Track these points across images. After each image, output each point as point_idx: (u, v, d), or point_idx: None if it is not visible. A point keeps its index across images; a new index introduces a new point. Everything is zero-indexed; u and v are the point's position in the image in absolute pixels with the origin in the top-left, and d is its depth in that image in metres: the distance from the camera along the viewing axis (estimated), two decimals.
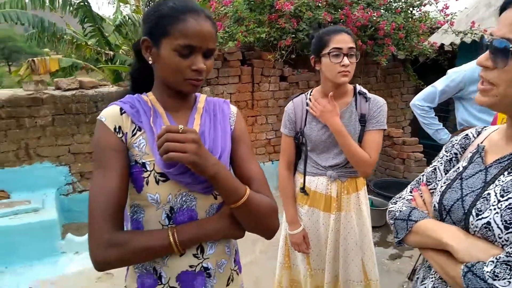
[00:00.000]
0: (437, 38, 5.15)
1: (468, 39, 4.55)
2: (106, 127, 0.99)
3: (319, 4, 3.95)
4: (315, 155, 1.88)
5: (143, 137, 1.01)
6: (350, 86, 1.86)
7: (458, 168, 1.00)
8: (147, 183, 0.98)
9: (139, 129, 1.01)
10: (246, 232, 1.08)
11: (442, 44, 5.05)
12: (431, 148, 5.80)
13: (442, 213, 0.96)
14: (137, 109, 1.03)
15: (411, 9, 4.69)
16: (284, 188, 1.94)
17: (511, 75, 0.82)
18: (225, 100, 1.20)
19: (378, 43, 4.23)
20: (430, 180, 1.09)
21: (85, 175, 3.76)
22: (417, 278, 1.09)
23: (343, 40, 1.69)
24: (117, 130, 1.00)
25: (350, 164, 1.83)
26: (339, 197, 1.86)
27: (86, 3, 6.15)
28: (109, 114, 1.01)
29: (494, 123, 1.68)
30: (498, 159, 0.91)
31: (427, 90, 2.54)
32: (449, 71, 2.47)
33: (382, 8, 4.26)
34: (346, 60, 1.68)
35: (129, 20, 6.47)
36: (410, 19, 4.56)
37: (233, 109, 1.19)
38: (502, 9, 0.86)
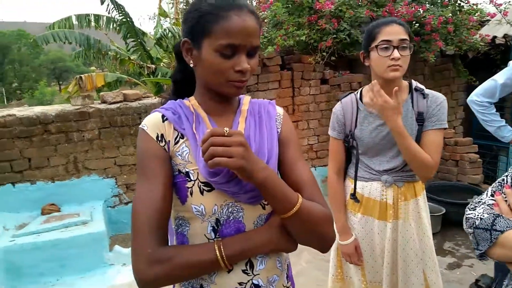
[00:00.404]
0: (488, 31, 4.80)
1: None
2: (148, 135, 0.95)
3: (360, 3, 3.80)
4: (367, 159, 1.74)
5: (186, 144, 0.96)
6: (405, 82, 1.71)
7: None
8: (191, 194, 0.92)
9: (182, 137, 0.96)
10: None
11: (494, 37, 4.70)
12: (487, 149, 5.44)
13: None
14: (179, 115, 0.98)
15: (459, 1, 4.40)
16: (334, 194, 1.81)
17: None
18: (270, 101, 1.12)
19: (425, 39, 3.99)
20: None
21: (130, 186, 3.82)
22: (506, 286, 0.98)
23: (394, 32, 1.55)
24: (159, 138, 0.95)
25: (409, 167, 1.68)
26: (396, 204, 1.71)
27: (128, 19, 6.36)
28: (151, 122, 0.97)
29: None
30: None
31: (487, 84, 2.33)
32: (511, 62, 2.24)
33: (427, 2, 4.02)
34: (396, 53, 1.54)
35: (169, 33, 6.61)
36: (459, 12, 4.28)
37: (279, 110, 1.11)
38: None
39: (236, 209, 0.95)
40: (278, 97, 3.90)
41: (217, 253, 0.88)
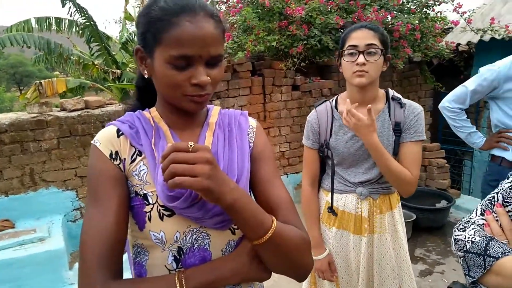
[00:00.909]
0: (452, 38, 4.93)
1: (487, 37, 4.32)
2: (100, 152, 0.84)
3: (330, 9, 3.78)
4: (342, 170, 1.66)
5: (144, 163, 0.85)
6: (381, 91, 1.65)
7: None
8: (149, 219, 0.81)
9: (140, 154, 0.85)
10: None
11: (458, 44, 4.82)
12: (452, 153, 5.57)
13: None
14: (136, 129, 0.87)
15: (425, 9, 4.48)
16: (309, 207, 1.72)
17: None
18: (242, 112, 1.01)
19: (393, 45, 4.02)
20: (508, 200, 0.87)
21: None
22: None
23: (361, 36, 1.49)
24: (113, 156, 0.84)
25: (385, 179, 1.62)
26: (371, 217, 1.64)
27: (92, 23, 6.10)
28: (104, 137, 0.86)
29: None
30: None
31: (458, 90, 2.32)
32: (481, 69, 2.24)
33: (395, 9, 4.06)
34: (361, 58, 1.47)
35: (135, 37, 6.39)
36: (425, 19, 4.35)
37: (252, 122, 1.00)
38: None
39: (201, 236, 0.84)
40: (249, 104, 3.80)
41: (178, 287, 0.76)
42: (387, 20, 3.96)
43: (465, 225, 0.92)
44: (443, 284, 2.90)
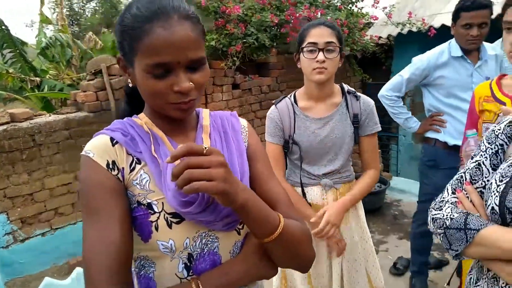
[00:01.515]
0: (374, 32, 5.28)
1: (406, 30, 4.70)
2: (95, 164, 0.79)
3: (264, 7, 3.84)
4: (305, 164, 1.71)
5: (145, 171, 0.82)
6: (337, 86, 1.72)
7: None
8: (156, 228, 0.79)
9: (139, 162, 0.83)
10: None
11: (379, 37, 5.19)
12: (379, 139, 5.98)
13: (506, 217, 0.83)
14: (131, 137, 0.83)
15: (350, 5, 4.75)
16: (293, 197, 1.70)
17: None
18: (231, 113, 1.01)
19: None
20: (476, 178, 0.96)
21: (27, 220, 3.26)
22: (470, 278, 0.99)
23: (320, 34, 1.54)
24: (110, 166, 0.80)
25: (347, 170, 1.71)
26: None
27: (3, 27, 5.51)
28: (98, 147, 0.81)
29: (472, 106, 1.61)
30: None
31: (394, 79, 2.51)
32: (414, 59, 2.45)
33: (324, 6, 4.24)
34: (320, 55, 1.53)
35: (56, 41, 5.90)
36: (351, 15, 4.61)
37: (243, 122, 1.01)
38: None
39: (210, 240, 0.84)
40: None
41: None
42: (318, 16, 4.13)
43: (440, 204, 0.99)
44: (389, 261, 3.11)
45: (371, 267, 1.80)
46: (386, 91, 2.54)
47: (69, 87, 5.28)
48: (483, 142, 1.00)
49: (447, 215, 0.93)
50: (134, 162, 0.82)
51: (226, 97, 3.96)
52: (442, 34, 4.41)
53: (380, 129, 1.71)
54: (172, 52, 0.74)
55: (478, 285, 0.94)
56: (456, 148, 2.18)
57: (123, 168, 0.81)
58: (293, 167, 1.75)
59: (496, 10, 1.75)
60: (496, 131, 0.98)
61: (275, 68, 4.29)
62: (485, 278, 0.92)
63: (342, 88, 1.72)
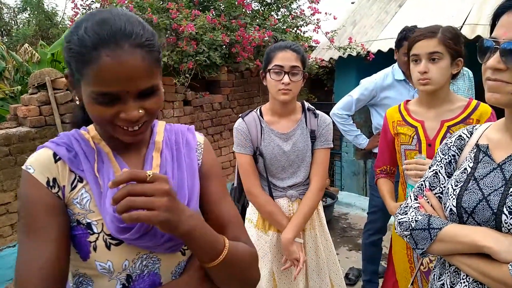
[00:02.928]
0: (317, 55, 5.58)
1: (347, 54, 5.03)
2: (35, 180, 0.76)
3: (214, 27, 3.90)
4: (271, 177, 1.77)
5: (86, 189, 0.79)
6: (298, 103, 1.82)
7: (465, 169, 1.00)
8: (94, 249, 0.77)
9: (81, 180, 0.79)
10: None
11: (322, 60, 5.50)
12: None
13: (463, 216, 0.94)
14: (75, 153, 0.79)
15: (295, 29, 4.99)
16: (272, 206, 1.74)
17: None
18: (189, 127, 0.97)
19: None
20: (434, 185, 1.08)
21: None
22: (434, 275, 1.08)
23: (286, 58, 1.64)
24: (50, 183, 0.77)
25: (309, 181, 1.79)
26: None
27: None
28: (39, 163, 0.77)
29: (385, 127, 1.78)
30: (510, 155, 0.93)
31: (345, 99, 2.68)
32: (362, 81, 2.64)
33: (272, 28, 4.41)
34: (286, 78, 1.63)
35: None
36: (297, 38, 4.84)
37: (200, 138, 0.97)
38: (499, 14, 0.88)
39: (152, 261, 0.82)
40: None
41: None
42: (266, 39, 4.28)
43: (405, 209, 1.08)
44: (341, 271, 3.21)
45: (334, 276, 1.88)
46: (337, 110, 2.70)
47: (1, 101, 4.88)
48: (437, 153, 1.12)
49: (412, 218, 1.03)
50: (76, 180, 0.79)
51: (177, 113, 3.92)
52: (377, 59, 4.81)
53: (331, 146, 1.80)
54: (120, 83, 0.70)
55: (441, 280, 1.02)
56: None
57: (64, 186, 0.78)
58: (260, 179, 1.79)
59: None
60: (449, 144, 1.10)
61: (226, 86, 4.35)
62: (447, 273, 1.00)
63: (303, 105, 1.81)
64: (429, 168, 1.13)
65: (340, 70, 5.71)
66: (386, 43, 4.86)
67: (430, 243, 0.96)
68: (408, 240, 1.03)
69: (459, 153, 1.07)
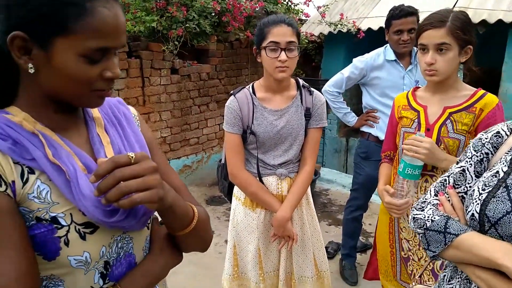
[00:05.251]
0: (306, 29, 5.51)
1: (337, 30, 4.98)
2: None
3: None
4: (261, 154, 1.77)
5: (42, 180, 0.69)
6: (293, 80, 1.80)
7: (497, 172, 0.89)
8: (66, 244, 0.69)
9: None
10: None
11: (311, 35, 5.44)
12: None
13: (485, 225, 0.85)
14: (12, 141, 0.67)
15: (287, 0, 4.89)
16: (253, 186, 1.75)
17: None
18: (118, 99, 0.92)
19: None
20: (458, 183, 0.99)
21: None
22: (444, 276, 1.03)
23: (282, 33, 1.58)
24: None
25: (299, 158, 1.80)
26: None
27: None
28: None
29: (392, 112, 1.80)
30: None
31: (336, 77, 2.68)
32: (354, 60, 2.63)
33: None
34: (283, 55, 1.59)
35: None
36: (288, 10, 4.75)
37: (133, 110, 0.95)
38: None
39: (126, 242, 0.80)
40: (126, 88, 3.55)
41: None
42: (257, 10, 4.19)
43: (422, 205, 1.01)
44: (324, 247, 3.31)
45: (318, 252, 1.93)
46: (328, 87, 2.70)
47: None
48: (469, 148, 1.01)
49: (428, 217, 0.96)
50: (26, 172, 0.68)
51: (164, 82, 3.85)
52: (368, 37, 4.79)
53: (326, 125, 1.81)
54: (116, 36, 0.69)
55: (451, 284, 0.97)
56: None
57: (13, 181, 0.66)
58: (249, 157, 1.79)
59: (422, 17, 2.00)
60: (483, 140, 0.98)
61: (214, 56, 4.27)
62: (458, 278, 0.95)
63: (298, 82, 1.80)
64: (457, 163, 1.03)
65: (328, 46, 5.65)
66: (377, 21, 4.83)
67: (443, 248, 0.90)
68: (420, 238, 0.97)
69: (493, 152, 0.95)
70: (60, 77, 0.68)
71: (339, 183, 4.65)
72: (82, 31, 0.65)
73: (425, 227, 0.95)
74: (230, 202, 1.95)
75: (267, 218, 1.80)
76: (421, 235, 0.97)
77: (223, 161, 1.93)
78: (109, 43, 0.68)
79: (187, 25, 3.53)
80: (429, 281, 1.61)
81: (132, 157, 0.65)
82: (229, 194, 1.96)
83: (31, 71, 0.67)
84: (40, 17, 0.64)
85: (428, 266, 1.61)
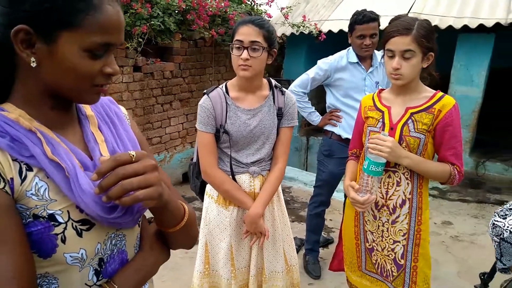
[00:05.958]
0: None
1: (299, 31, 5.10)
2: None
3: None
4: (234, 153, 1.80)
5: (40, 177, 0.70)
6: (265, 80, 1.84)
7: None
8: (63, 241, 0.70)
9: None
10: None
11: None
12: None
13: None
14: (10, 138, 0.68)
15: (251, 1, 4.94)
16: (228, 184, 1.77)
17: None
18: (109, 98, 0.93)
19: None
20: None
21: None
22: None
23: (247, 33, 1.63)
24: None
25: (271, 157, 1.86)
26: None
27: None
28: None
29: (359, 113, 1.91)
30: None
31: (302, 77, 2.76)
32: (318, 61, 2.73)
33: None
34: (244, 54, 1.63)
35: None
36: (252, 10, 4.81)
37: (123, 109, 0.97)
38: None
39: (119, 239, 0.83)
40: None
41: None
42: (223, 9, 4.21)
43: (507, 212, 0.97)
44: (294, 243, 3.39)
45: (288, 247, 2.00)
46: (294, 87, 2.79)
47: None
48: None
49: (508, 227, 0.92)
50: (24, 169, 0.69)
51: (126, 79, 3.76)
52: (328, 39, 4.96)
53: (297, 124, 1.88)
54: (117, 33, 0.72)
55: None
56: (348, 141, 2.52)
57: (11, 178, 0.67)
58: (222, 155, 1.82)
59: (383, 23, 2.12)
60: None
61: (178, 54, 4.24)
62: None
63: (270, 82, 1.85)
64: None
65: (290, 47, 5.79)
66: (337, 24, 5.02)
67: None
68: (495, 247, 0.94)
69: None
70: (63, 70, 0.69)
71: (300, 181, 4.78)
72: (88, 26, 0.67)
73: (502, 236, 0.91)
74: (202, 201, 1.97)
75: (240, 216, 1.84)
76: (496, 243, 0.93)
77: (194, 160, 1.94)
78: (112, 39, 0.71)
79: (151, 22, 3.48)
80: (391, 270, 1.73)
81: (133, 155, 0.67)
82: (200, 193, 1.98)
83: (33, 65, 0.68)
84: (47, 10, 0.65)
85: (390, 255, 1.73)
